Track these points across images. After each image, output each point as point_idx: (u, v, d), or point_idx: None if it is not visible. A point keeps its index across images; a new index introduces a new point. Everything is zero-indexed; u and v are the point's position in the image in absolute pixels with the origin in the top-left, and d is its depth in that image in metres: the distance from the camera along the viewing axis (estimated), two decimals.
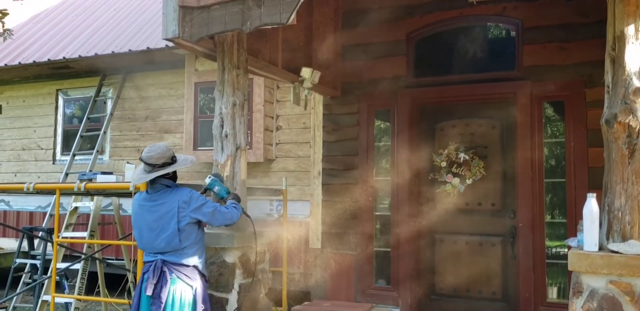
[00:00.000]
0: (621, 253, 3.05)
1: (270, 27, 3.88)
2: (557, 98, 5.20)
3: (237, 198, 3.97)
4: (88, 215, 6.20)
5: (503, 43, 5.61)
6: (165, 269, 3.49)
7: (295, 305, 5.73)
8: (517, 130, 5.26)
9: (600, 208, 3.20)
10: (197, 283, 3.56)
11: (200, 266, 3.62)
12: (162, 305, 3.41)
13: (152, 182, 3.63)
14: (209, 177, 3.98)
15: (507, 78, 5.35)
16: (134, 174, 3.76)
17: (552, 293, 5.13)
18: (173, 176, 3.72)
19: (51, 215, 7.60)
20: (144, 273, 3.56)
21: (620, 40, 3.27)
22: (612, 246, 3.11)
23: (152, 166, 3.55)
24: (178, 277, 3.49)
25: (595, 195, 3.19)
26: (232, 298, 4.00)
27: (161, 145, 3.67)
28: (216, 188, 3.90)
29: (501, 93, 5.39)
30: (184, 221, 3.52)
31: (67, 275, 6.37)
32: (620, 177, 3.20)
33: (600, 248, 3.16)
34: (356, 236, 5.87)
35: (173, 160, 3.63)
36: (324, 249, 6.02)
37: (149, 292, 3.43)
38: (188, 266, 3.54)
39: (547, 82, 5.18)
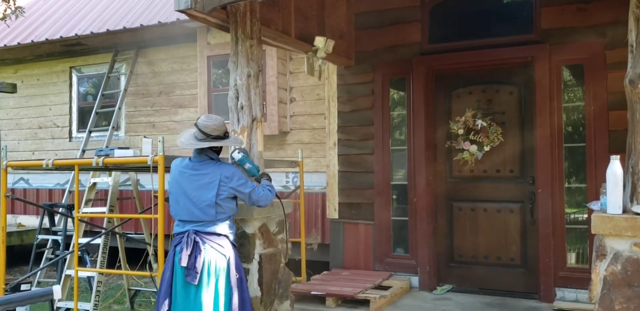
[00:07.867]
0: None
1: None
2: (576, 62, 5.09)
3: (268, 178, 3.97)
4: (106, 191, 6.26)
5: (520, 6, 5.47)
6: (198, 239, 3.50)
7: (314, 274, 5.78)
8: (536, 95, 5.18)
9: (624, 170, 3.15)
10: (230, 252, 3.58)
11: (231, 237, 3.64)
12: (198, 275, 3.42)
13: (197, 151, 3.65)
14: (238, 152, 3.91)
15: (524, 42, 5.24)
16: (181, 137, 3.67)
17: (572, 259, 5.12)
18: (219, 150, 3.75)
19: (70, 192, 7.68)
20: (174, 246, 3.57)
21: None
22: (636, 208, 3.07)
23: (205, 135, 3.57)
24: (211, 247, 3.50)
25: (619, 157, 3.13)
26: (253, 268, 4.02)
27: (219, 117, 3.69)
28: (247, 166, 3.87)
29: (519, 58, 5.29)
30: (223, 195, 3.55)
31: (88, 250, 6.47)
32: None
33: (624, 211, 3.11)
34: (373, 206, 5.87)
35: (225, 136, 3.67)
36: (341, 219, 6.03)
37: (184, 263, 3.44)
38: (220, 235, 3.56)
39: (566, 45, 5.07)
